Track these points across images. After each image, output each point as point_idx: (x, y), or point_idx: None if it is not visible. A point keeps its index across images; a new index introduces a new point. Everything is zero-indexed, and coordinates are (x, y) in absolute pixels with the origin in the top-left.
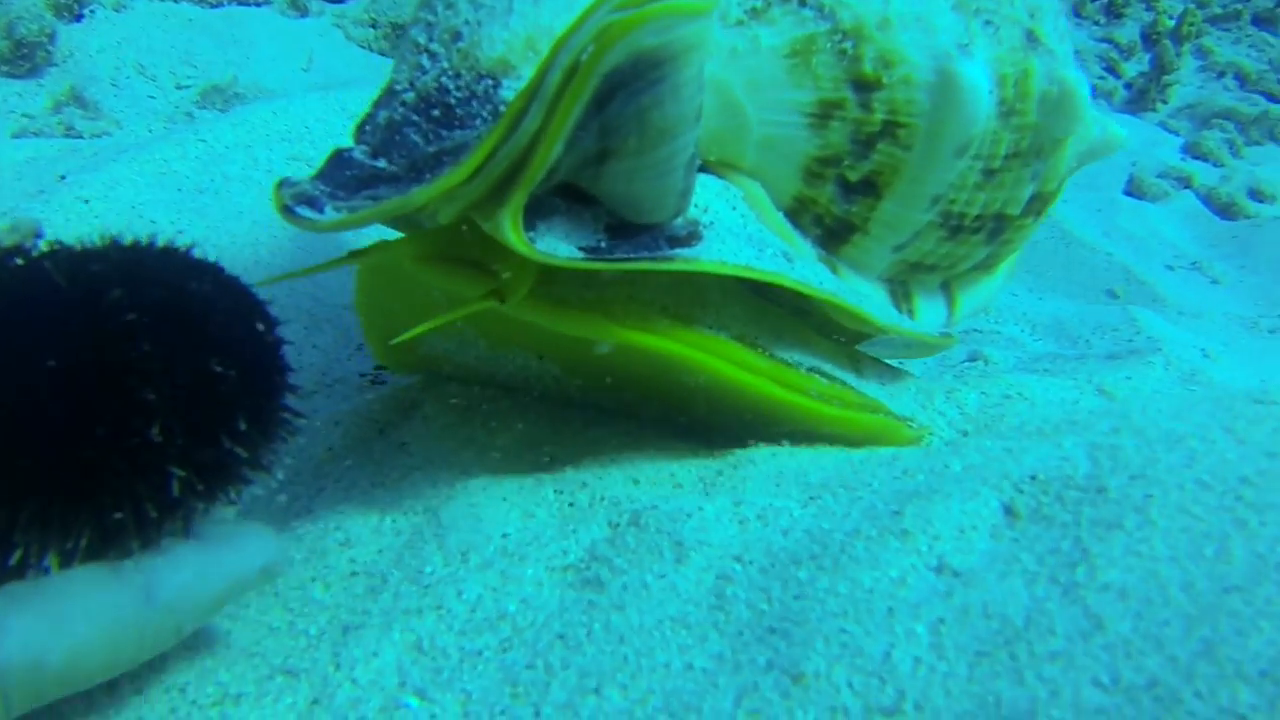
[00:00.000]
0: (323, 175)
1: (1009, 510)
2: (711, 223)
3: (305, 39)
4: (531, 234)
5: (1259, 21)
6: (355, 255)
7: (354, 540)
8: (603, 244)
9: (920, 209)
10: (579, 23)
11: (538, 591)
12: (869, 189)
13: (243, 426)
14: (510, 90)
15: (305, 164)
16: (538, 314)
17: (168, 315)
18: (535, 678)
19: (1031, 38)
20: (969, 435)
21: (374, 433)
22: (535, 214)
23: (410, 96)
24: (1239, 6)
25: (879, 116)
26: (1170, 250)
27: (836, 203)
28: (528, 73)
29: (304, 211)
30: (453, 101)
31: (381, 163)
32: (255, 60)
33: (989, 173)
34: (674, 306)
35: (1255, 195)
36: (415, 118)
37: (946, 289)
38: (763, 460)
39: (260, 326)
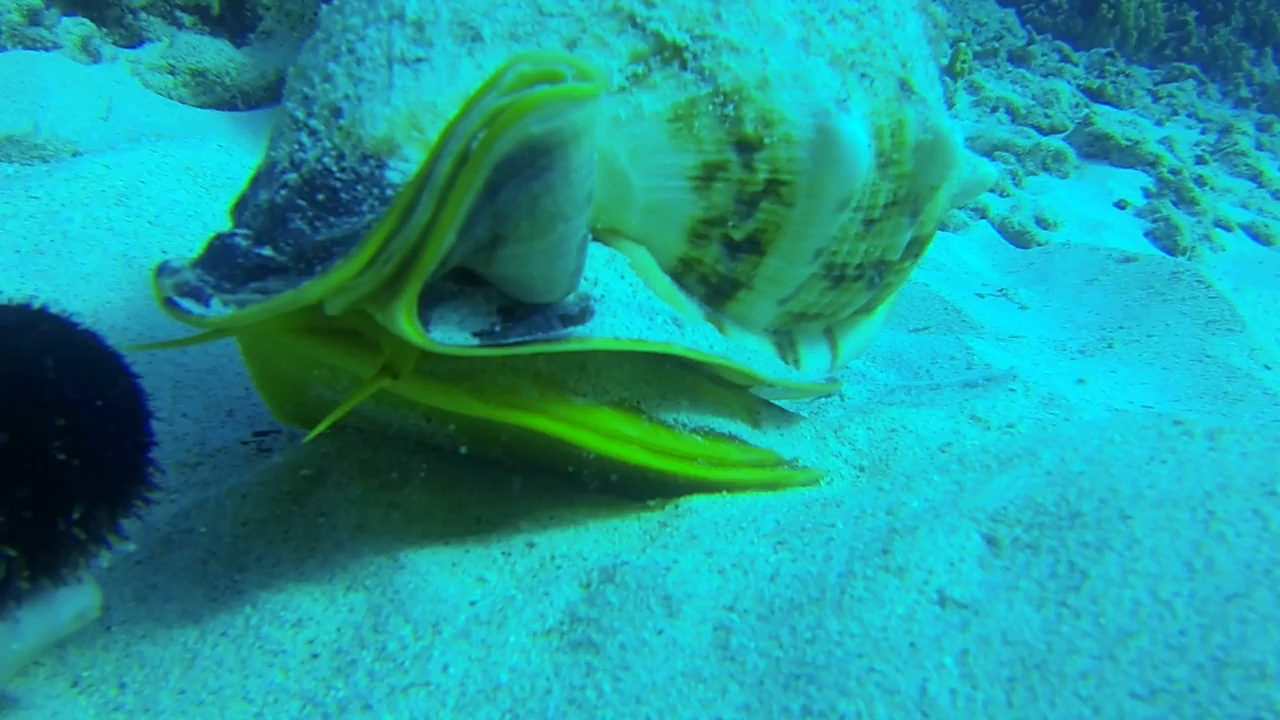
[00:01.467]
0: (204, 263)
1: (991, 541)
2: (602, 296)
3: (101, 86)
4: (426, 322)
5: (1014, 59)
6: (220, 330)
7: (306, 619)
8: (496, 328)
9: (804, 263)
10: (468, 108)
11: (525, 659)
12: (753, 247)
13: (76, 515)
14: (395, 172)
15: (147, 222)
16: (403, 386)
17: (13, 398)
18: None
19: (905, 87)
20: (865, 471)
21: (288, 503)
22: (428, 300)
23: (293, 178)
24: (995, 45)
25: (762, 176)
26: (977, 279)
27: (722, 262)
28: (412, 153)
29: (189, 306)
30: (337, 185)
31: (267, 250)
32: (48, 109)
33: (869, 223)
34: (548, 373)
35: (1041, 223)
36: (300, 202)
37: (829, 335)
38: (703, 509)
39: (121, 398)
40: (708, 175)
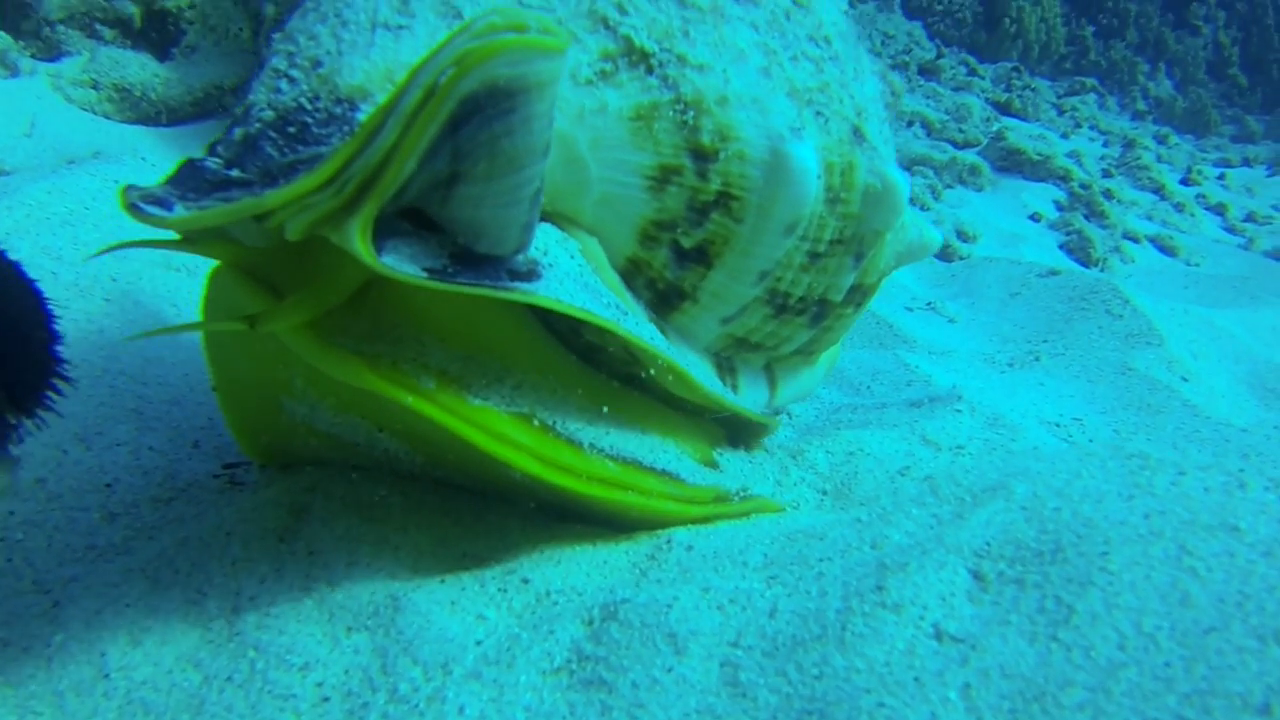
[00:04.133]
0: (173, 181)
1: (978, 576)
2: (551, 265)
3: (22, 101)
4: (379, 251)
5: (924, 72)
6: (183, 238)
7: (313, 662)
8: (448, 269)
9: (748, 283)
10: (440, 47)
11: (538, 698)
12: (701, 257)
13: None
14: (366, 114)
15: (96, 249)
16: (304, 346)
17: None
18: None
19: (858, 134)
20: (828, 494)
21: (274, 540)
22: (383, 233)
23: (268, 114)
24: (905, 58)
25: (714, 186)
26: (905, 293)
27: (669, 268)
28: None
29: (151, 209)
30: (309, 121)
31: (234, 171)
32: None
33: (814, 255)
34: (457, 374)
35: (962, 236)
36: (272, 134)
37: (769, 372)
38: (688, 541)
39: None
40: (663, 177)
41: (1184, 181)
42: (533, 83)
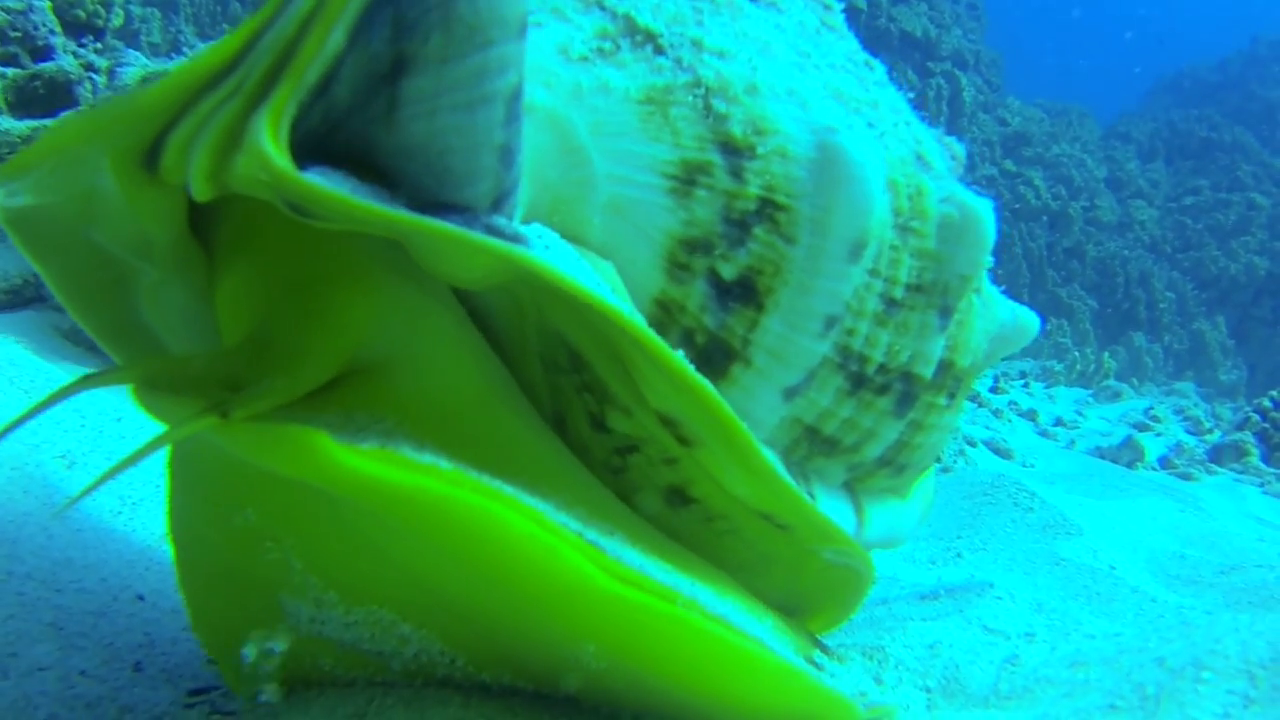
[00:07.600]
0: None
1: None
2: (548, 247)
3: None
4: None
5: None
6: (84, 381)
7: None
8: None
9: (813, 333)
10: None
11: None
12: (748, 294)
13: None
14: None
15: None
16: (243, 439)
17: None
18: None
19: (922, 160)
20: (933, 691)
21: None
22: (305, 162)
23: None
24: None
25: (753, 191)
26: None
27: (709, 311)
28: None
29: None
30: None
31: None
32: None
33: (891, 303)
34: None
35: None
36: None
37: (851, 493)
38: None
39: None
40: (687, 177)
41: (992, 390)
42: None
